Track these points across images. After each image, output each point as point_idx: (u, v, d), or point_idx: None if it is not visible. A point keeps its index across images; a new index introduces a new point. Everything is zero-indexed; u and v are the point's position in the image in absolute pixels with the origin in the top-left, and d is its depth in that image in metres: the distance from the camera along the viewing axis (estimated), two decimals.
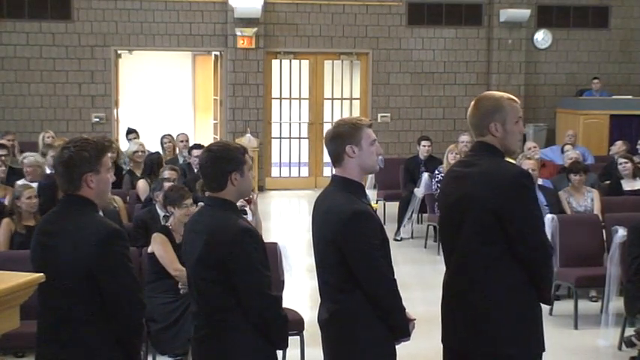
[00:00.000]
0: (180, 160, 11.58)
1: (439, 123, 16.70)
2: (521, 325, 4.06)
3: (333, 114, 17.04)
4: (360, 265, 3.95)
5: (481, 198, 4.01)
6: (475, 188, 4.04)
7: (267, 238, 6.51)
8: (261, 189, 15.81)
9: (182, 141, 12.24)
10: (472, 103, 4.27)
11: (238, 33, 15.92)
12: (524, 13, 16.74)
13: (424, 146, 12.50)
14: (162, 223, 7.43)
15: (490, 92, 4.33)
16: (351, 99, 17.37)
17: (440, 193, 4.43)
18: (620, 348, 7.43)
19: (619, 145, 12.18)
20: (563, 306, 8.52)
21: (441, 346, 4.31)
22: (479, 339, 4.05)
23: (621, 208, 9.36)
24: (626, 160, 10.65)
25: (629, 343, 6.86)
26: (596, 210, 9.58)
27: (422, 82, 17.00)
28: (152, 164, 11.00)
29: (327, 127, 16.29)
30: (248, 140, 15.19)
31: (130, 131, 13.71)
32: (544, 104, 17.07)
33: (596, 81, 16.67)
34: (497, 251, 4.01)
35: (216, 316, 3.96)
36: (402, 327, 4.09)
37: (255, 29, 15.93)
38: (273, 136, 17.14)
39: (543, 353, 4.16)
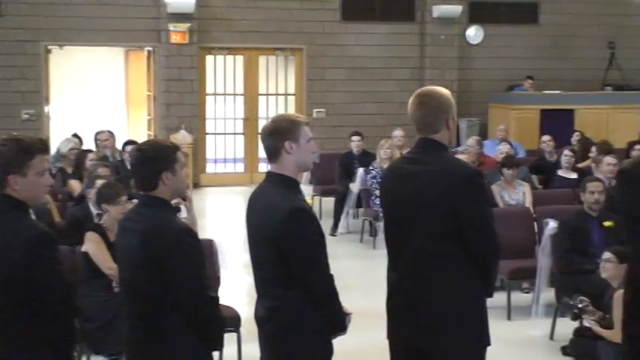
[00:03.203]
0: (110, 158, 11.38)
1: (374, 118, 16.77)
2: (475, 320, 4.14)
3: (268, 110, 17.01)
4: (299, 262, 3.95)
5: (436, 196, 4.03)
6: (429, 187, 4.05)
7: (203, 234, 6.48)
8: (196, 185, 15.72)
9: (104, 140, 11.79)
10: (416, 100, 4.21)
11: (171, 28, 15.79)
12: (456, 9, 16.91)
13: (354, 141, 12.59)
14: (96, 221, 7.34)
15: (435, 88, 4.31)
16: (286, 95, 17.36)
17: (384, 192, 4.39)
18: (551, 337, 7.58)
19: (547, 140, 12.41)
20: (496, 298, 8.60)
21: (379, 340, 4.34)
22: (435, 336, 4.09)
23: (552, 201, 9.52)
24: (571, 154, 11.09)
25: (575, 315, 6.92)
26: (528, 203, 9.75)
27: (357, 78, 17.06)
28: (79, 162, 10.80)
29: (262, 123, 16.21)
30: (182, 136, 15.09)
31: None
32: (477, 99, 17.24)
33: (530, 81, 16.88)
34: (453, 249, 4.05)
35: (152, 317, 3.91)
36: (338, 321, 4.11)
37: (188, 24, 15.82)
38: (207, 132, 17.04)
39: None
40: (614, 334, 6.00)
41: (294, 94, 17.30)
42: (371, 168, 11.52)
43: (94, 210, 7.72)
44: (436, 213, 4.04)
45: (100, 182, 7.71)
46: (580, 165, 11.41)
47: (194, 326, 3.90)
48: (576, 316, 6.80)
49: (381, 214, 5.02)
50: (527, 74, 16.98)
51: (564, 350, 7.11)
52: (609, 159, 9.99)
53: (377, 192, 10.46)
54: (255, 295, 4.23)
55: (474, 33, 17.64)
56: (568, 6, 17.95)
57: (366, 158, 12.21)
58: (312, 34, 16.85)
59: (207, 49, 16.61)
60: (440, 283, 4.08)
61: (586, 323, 6.82)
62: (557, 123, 15.38)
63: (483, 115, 17.07)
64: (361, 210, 12.25)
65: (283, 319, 4.03)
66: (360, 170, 11.79)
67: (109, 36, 16.06)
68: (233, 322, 6.50)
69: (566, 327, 7.26)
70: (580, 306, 6.65)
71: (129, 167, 10.12)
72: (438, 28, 17.11)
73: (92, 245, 6.68)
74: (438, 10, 16.85)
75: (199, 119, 16.57)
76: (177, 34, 15.84)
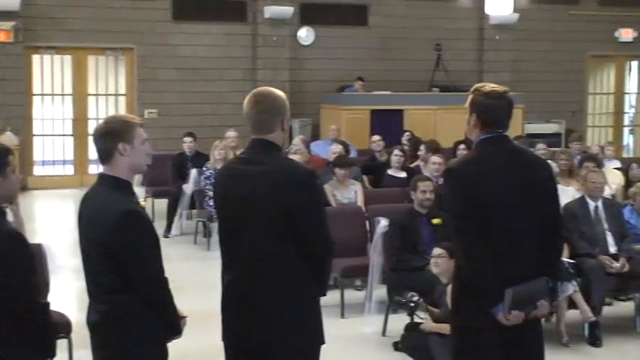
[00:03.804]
0: None
1: (207, 119, 16.70)
2: (309, 318, 4.18)
3: (98, 110, 16.66)
4: (132, 266, 3.89)
5: (270, 197, 4.04)
6: (263, 187, 4.05)
7: (32, 239, 6.26)
8: (24, 188, 15.20)
9: None
10: (252, 99, 4.20)
11: None
12: (287, 10, 17.05)
13: (186, 142, 12.52)
14: None
15: (270, 89, 4.29)
16: (116, 95, 17.05)
17: (219, 192, 4.36)
18: (384, 334, 7.75)
19: (377, 140, 12.69)
20: (330, 296, 8.72)
21: (214, 341, 4.32)
22: (270, 336, 4.10)
23: (383, 200, 9.73)
24: (401, 154, 11.33)
25: (410, 310, 7.07)
26: (360, 202, 9.93)
27: (189, 78, 16.95)
28: None
29: (92, 124, 15.99)
30: (8, 138, 14.56)
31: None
32: (309, 100, 17.42)
33: (360, 82, 17.18)
34: (287, 249, 4.07)
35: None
36: (173, 325, 4.08)
37: (13, 23, 15.30)
38: (35, 133, 16.54)
39: None
40: (445, 328, 6.18)
41: (124, 95, 17.02)
42: (204, 169, 11.47)
43: None
44: (270, 213, 4.05)
45: None
46: (410, 164, 11.72)
47: (25, 334, 3.78)
48: (411, 311, 6.98)
49: (215, 215, 5.00)
50: (358, 75, 17.28)
51: (396, 346, 7.28)
52: (435, 158, 10.33)
53: (211, 193, 10.41)
54: (86, 300, 4.13)
55: (305, 34, 17.83)
56: (396, 9, 18.39)
57: (200, 159, 12.15)
58: (142, 33, 16.62)
59: (34, 48, 16.11)
60: (274, 283, 4.09)
61: (417, 319, 7.01)
62: (387, 123, 15.72)
63: (315, 116, 17.27)
64: (195, 211, 12.17)
65: (117, 324, 3.96)
66: (194, 171, 11.72)
67: None
68: (64, 328, 6.33)
69: (398, 323, 7.44)
70: (414, 299, 6.83)
71: None
72: (269, 29, 17.21)
73: None
74: (270, 11, 16.95)
75: (26, 120, 16.05)
76: (1, 32, 15.28)
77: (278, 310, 4.09)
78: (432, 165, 10.22)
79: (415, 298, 6.83)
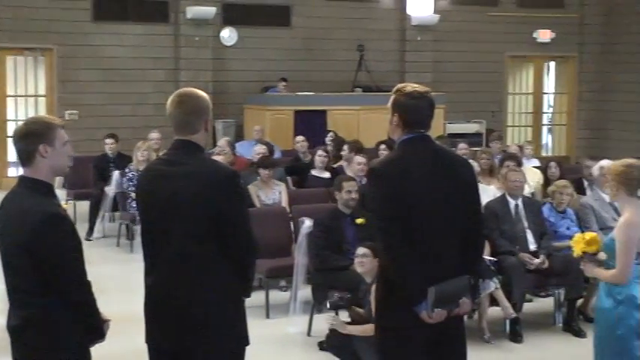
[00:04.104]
0: None
1: (129, 120, 16.52)
2: (234, 320, 4.17)
3: (17, 112, 16.36)
4: (55, 269, 3.84)
5: (194, 198, 4.03)
6: (187, 188, 4.04)
7: None
8: None
9: None
10: (176, 99, 4.19)
11: None
12: (209, 10, 16.96)
13: (107, 144, 12.40)
14: None
15: (194, 90, 4.28)
16: (36, 96, 16.75)
17: (142, 194, 4.31)
18: (309, 334, 7.78)
19: (301, 140, 12.71)
20: (255, 297, 8.70)
21: (138, 344, 4.28)
22: (195, 338, 4.08)
23: (307, 201, 9.76)
24: (325, 154, 11.39)
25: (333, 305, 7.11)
26: (284, 203, 9.94)
27: (111, 79, 16.74)
28: None
29: (10, 126, 15.70)
30: None
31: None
32: (232, 100, 17.34)
33: (284, 83, 17.17)
34: (211, 250, 4.06)
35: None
36: (97, 328, 4.04)
37: None
38: None
39: None
40: (366, 329, 6.23)
41: (44, 96, 16.73)
42: (127, 170, 11.35)
43: None
44: (194, 214, 4.05)
45: None
46: (333, 165, 11.77)
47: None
48: (336, 309, 7.02)
49: (138, 217, 4.97)
50: (281, 76, 17.28)
51: (321, 345, 7.31)
52: (359, 158, 10.41)
53: (133, 195, 10.32)
54: (6, 304, 4.06)
55: (228, 35, 17.76)
56: (318, 9, 18.43)
57: (122, 161, 12.03)
58: (62, 34, 16.36)
59: None
60: (199, 284, 4.08)
61: (342, 319, 7.04)
62: (310, 124, 15.74)
63: (239, 117, 17.20)
64: (117, 213, 12.05)
65: (38, 328, 3.90)
66: (116, 173, 11.61)
67: None
68: None
69: (323, 323, 7.46)
70: (339, 302, 6.88)
71: None
72: (192, 29, 17.09)
73: None
74: (192, 12, 16.84)
75: None
76: None
77: (202, 312, 4.08)
78: (357, 165, 10.28)
79: (342, 302, 6.86)
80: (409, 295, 4.31)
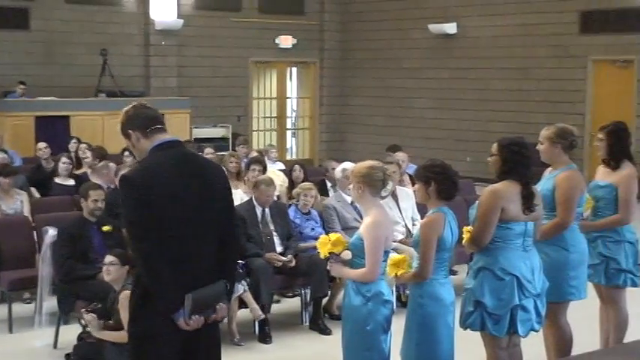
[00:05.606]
0: None
1: None
2: None
3: None
4: None
5: None
6: None
7: None
8: None
9: None
10: None
11: None
12: None
13: None
14: None
15: None
16: None
17: None
18: (55, 346, 7.56)
19: (43, 147, 12.33)
20: None
21: None
22: None
23: (51, 209, 9.47)
24: (69, 161, 11.11)
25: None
26: (26, 212, 9.61)
27: None
28: None
29: None
30: None
31: None
32: None
33: (22, 86, 16.59)
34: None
35: None
36: None
37: None
38: None
39: None
40: (120, 336, 6.14)
41: None
42: None
43: None
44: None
45: None
46: (77, 172, 11.49)
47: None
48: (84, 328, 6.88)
49: None
50: (20, 80, 16.69)
51: (68, 358, 7.11)
52: (111, 165, 10.28)
53: None
54: None
55: None
56: (59, 12, 17.96)
57: None
58: None
59: None
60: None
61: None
62: (53, 130, 15.36)
63: None
64: None
65: None
66: None
67: None
68: None
69: (71, 334, 7.29)
70: (84, 323, 6.73)
71: None
72: None
73: None
74: None
75: None
76: None
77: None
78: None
79: (87, 321, 6.69)
80: (166, 303, 4.30)
